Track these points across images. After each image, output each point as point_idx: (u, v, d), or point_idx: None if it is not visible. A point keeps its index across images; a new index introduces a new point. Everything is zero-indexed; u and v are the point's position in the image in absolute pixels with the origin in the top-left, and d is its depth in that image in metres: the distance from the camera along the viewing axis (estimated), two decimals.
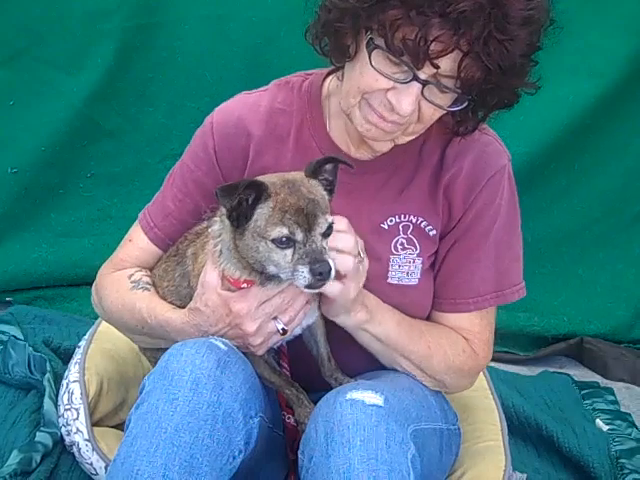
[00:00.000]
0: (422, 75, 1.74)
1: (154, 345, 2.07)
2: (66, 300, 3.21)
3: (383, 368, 2.07)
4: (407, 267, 2.01)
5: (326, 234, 1.72)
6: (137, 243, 2.10)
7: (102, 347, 2.42)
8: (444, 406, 2.12)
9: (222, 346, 1.80)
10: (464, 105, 1.82)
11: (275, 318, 1.83)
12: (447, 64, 1.72)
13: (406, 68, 1.75)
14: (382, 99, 1.80)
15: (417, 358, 1.99)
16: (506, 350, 3.33)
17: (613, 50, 3.14)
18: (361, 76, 1.80)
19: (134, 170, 3.26)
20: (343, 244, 1.78)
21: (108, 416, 2.31)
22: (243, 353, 1.87)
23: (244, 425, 1.76)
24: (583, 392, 3.07)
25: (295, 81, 2.05)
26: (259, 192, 1.71)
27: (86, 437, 2.19)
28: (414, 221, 2.00)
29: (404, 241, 2.00)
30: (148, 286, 2.05)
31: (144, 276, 2.07)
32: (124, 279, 2.06)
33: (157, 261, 2.09)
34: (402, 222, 2.00)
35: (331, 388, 1.86)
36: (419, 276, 2.02)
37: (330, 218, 1.73)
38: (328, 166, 1.80)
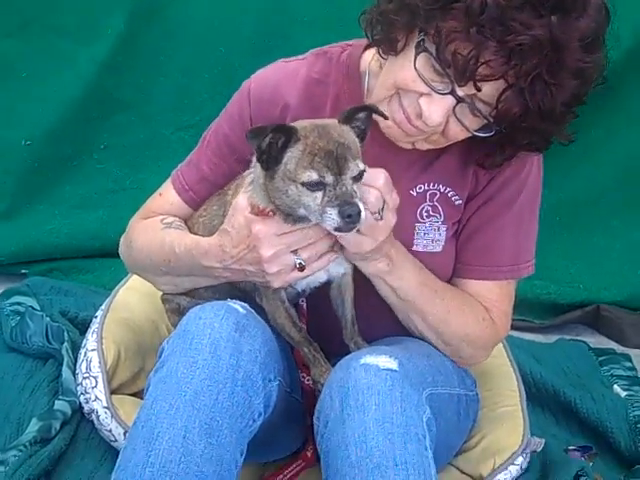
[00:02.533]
0: (460, 92, 1.72)
1: (178, 288, 2.07)
2: (82, 272, 3.20)
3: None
4: (432, 235, 2.01)
5: (357, 179, 1.71)
6: (168, 199, 2.11)
7: (119, 316, 2.42)
8: (462, 372, 2.11)
9: (240, 309, 1.80)
10: (490, 134, 1.79)
11: (295, 252, 1.81)
12: (489, 90, 1.70)
13: (447, 80, 1.72)
14: (414, 102, 1.78)
15: (434, 320, 1.98)
16: (522, 318, 3.30)
17: (634, 13, 3.09)
18: (401, 72, 1.78)
19: (147, 141, 3.23)
20: (363, 196, 1.75)
21: (126, 384, 2.31)
22: (265, 320, 1.88)
23: (263, 388, 1.76)
24: (600, 359, 3.06)
25: (334, 51, 2.02)
26: (289, 135, 1.71)
27: (105, 404, 2.20)
28: (442, 190, 1.99)
29: (429, 208, 2.00)
30: (181, 226, 2.06)
31: (177, 220, 2.08)
32: (157, 221, 2.08)
33: (187, 218, 2.09)
34: (430, 190, 1.99)
35: (346, 354, 1.85)
36: (443, 243, 2.02)
37: (361, 164, 1.71)
38: (362, 114, 1.78)
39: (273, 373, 1.80)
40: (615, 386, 2.84)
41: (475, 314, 2.02)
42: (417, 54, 1.74)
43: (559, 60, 1.66)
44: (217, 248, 1.86)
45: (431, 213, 2.00)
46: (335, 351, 1.95)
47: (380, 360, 1.74)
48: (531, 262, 2.08)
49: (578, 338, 3.32)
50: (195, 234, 2.02)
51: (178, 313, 2.08)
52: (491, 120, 1.75)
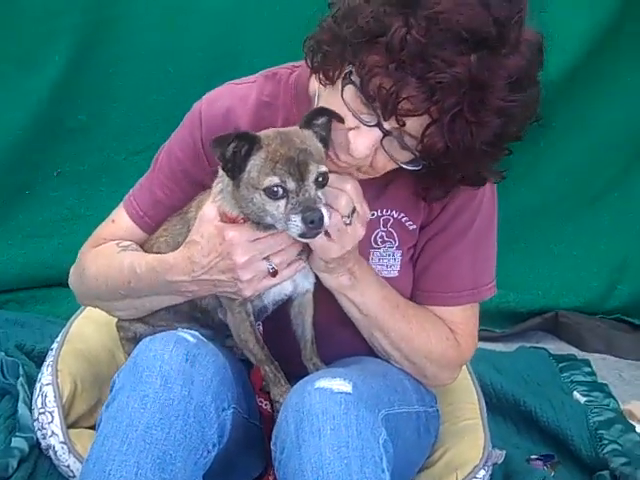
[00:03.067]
0: (387, 125, 1.71)
1: (138, 312, 2.04)
2: (39, 302, 3.17)
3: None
4: (387, 260, 2.00)
5: (320, 184, 1.71)
6: (122, 225, 2.08)
7: (74, 348, 2.38)
8: (421, 390, 2.10)
9: (191, 339, 1.78)
10: (418, 168, 1.78)
11: (267, 259, 1.81)
12: (413, 125, 1.69)
13: (374, 113, 1.71)
14: (343, 139, 1.77)
15: (397, 337, 1.98)
16: (483, 328, 3.30)
17: (575, 25, 3.13)
18: (333, 102, 1.77)
19: (101, 167, 3.21)
20: (333, 200, 1.76)
21: (84, 417, 2.28)
22: (218, 346, 1.85)
23: (217, 418, 1.74)
24: (560, 365, 3.09)
25: (282, 73, 2.02)
26: (252, 143, 1.71)
27: (61, 440, 2.16)
28: (395, 215, 1.99)
29: (384, 234, 1.99)
30: (138, 249, 2.03)
31: (133, 244, 2.05)
32: (112, 246, 2.04)
33: (142, 243, 2.07)
34: (383, 216, 1.99)
35: (304, 376, 1.84)
36: (398, 268, 2.01)
37: (323, 167, 1.72)
38: (321, 120, 1.78)
39: (227, 401, 1.78)
40: (575, 392, 2.86)
41: (438, 332, 2.02)
42: (343, 86, 1.74)
43: (481, 98, 1.64)
44: (185, 260, 1.84)
45: (385, 239, 2.00)
46: (294, 373, 1.93)
47: (334, 383, 1.73)
48: (491, 284, 2.08)
49: (539, 345, 3.36)
50: (157, 253, 2.00)
51: (134, 341, 2.05)
52: (417, 154, 1.74)
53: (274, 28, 3.09)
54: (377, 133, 1.73)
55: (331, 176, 1.76)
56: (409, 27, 1.61)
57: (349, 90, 1.73)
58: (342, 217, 1.76)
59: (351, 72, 1.71)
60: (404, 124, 1.68)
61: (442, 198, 1.92)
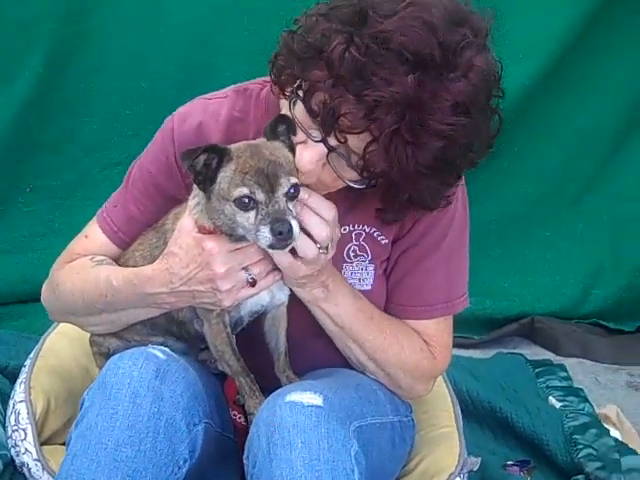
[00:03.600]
0: (331, 141, 1.71)
1: (113, 326, 2.03)
2: (14, 318, 3.14)
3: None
4: (359, 274, 2.00)
5: (291, 196, 1.72)
6: (95, 241, 2.07)
7: (47, 364, 2.37)
8: (395, 400, 2.10)
9: (161, 355, 1.78)
10: (362, 186, 1.78)
11: (245, 269, 1.81)
12: (355, 142, 1.68)
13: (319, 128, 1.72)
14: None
15: (371, 347, 1.98)
16: (459, 335, 3.32)
17: (543, 31, 3.16)
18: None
19: (75, 182, 3.20)
20: (316, 232, 1.77)
21: (57, 433, 2.26)
22: (190, 360, 1.85)
23: (187, 434, 1.74)
24: (536, 370, 3.10)
25: (253, 88, 2.01)
26: (222, 155, 1.72)
27: (35, 457, 2.15)
28: (367, 230, 1.99)
29: (356, 248, 1.99)
30: (112, 263, 2.02)
31: (107, 259, 2.04)
32: (86, 261, 2.03)
33: (116, 258, 2.06)
34: (355, 230, 1.98)
35: (274, 389, 1.84)
36: (372, 282, 2.01)
37: (294, 178, 1.72)
38: (282, 128, 1.78)
39: (198, 416, 1.78)
40: (550, 398, 2.87)
41: (412, 343, 2.02)
42: (291, 100, 1.75)
43: (420, 120, 1.63)
44: (163, 272, 1.84)
45: (358, 253, 2.00)
46: (267, 386, 1.93)
47: (305, 397, 1.73)
48: (464, 296, 2.08)
49: (515, 351, 3.37)
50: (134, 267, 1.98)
51: (107, 356, 2.03)
52: (359, 172, 1.73)
53: (245, 43, 3.09)
54: (323, 148, 1.73)
55: (316, 198, 1.78)
56: (349, 44, 1.61)
57: (298, 105, 1.74)
58: (319, 249, 1.78)
59: (300, 87, 1.72)
60: (346, 140, 1.68)
61: (396, 221, 1.93)
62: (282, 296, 1.93)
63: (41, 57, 3.04)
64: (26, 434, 2.17)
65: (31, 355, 2.41)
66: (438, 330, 2.05)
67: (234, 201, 1.71)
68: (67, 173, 3.19)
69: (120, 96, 3.14)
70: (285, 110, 1.81)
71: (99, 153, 3.18)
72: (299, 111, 1.74)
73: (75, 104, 3.12)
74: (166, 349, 1.82)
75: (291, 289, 1.93)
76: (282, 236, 1.67)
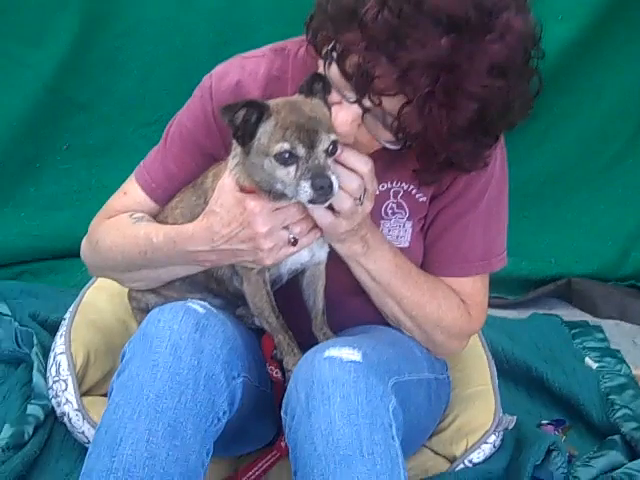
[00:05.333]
0: (366, 103, 1.70)
1: (152, 282, 2.05)
2: (52, 273, 3.18)
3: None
4: (397, 231, 2.01)
5: (331, 152, 1.73)
6: (135, 197, 2.08)
7: (87, 318, 2.41)
8: (431, 357, 2.11)
9: (200, 309, 1.80)
10: (397, 147, 1.78)
11: (287, 228, 1.82)
12: (390, 104, 1.68)
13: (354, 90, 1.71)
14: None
15: (409, 304, 1.99)
16: (495, 295, 3.32)
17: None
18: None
19: (109, 140, 3.20)
20: (346, 183, 1.77)
21: (97, 385, 2.31)
22: (228, 316, 1.87)
23: (227, 386, 1.76)
24: (573, 331, 3.09)
25: (291, 47, 2.01)
26: (261, 111, 1.73)
27: (76, 407, 2.19)
28: (405, 187, 1.99)
29: (394, 205, 1.99)
30: (151, 220, 2.04)
31: (146, 216, 2.05)
32: (125, 217, 2.05)
33: (155, 214, 2.08)
34: (393, 188, 1.98)
35: (311, 345, 1.85)
36: (409, 239, 2.02)
37: (333, 135, 1.73)
38: (318, 85, 1.78)
39: (237, 370, 1.80)
40: (587, 359, 2.86)
41: (449, 301, 2.02)
42: (325, 61, 1.74)
43: (455, 82, 1.62)
44: (205, 230, 1.85)
45: (396, 210, 2.00)
46: (304, 343, 1.94)
47: (344, 352, 1.74)
48: (503, 255, 2.08)
49: (551, 312, 3.35)
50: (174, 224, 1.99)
51: (146, 312, 2.04)
52: (394, 134, 1.72)
53: (281, 1, 3.05)
54: (358, 109, 1.73)
55: (349, 152, 1.78)
56: (382, 6, 1.60)
57: (333, 66, 1.73)
58: (354, 200, 1.78)
59: (334, 48, 1.71)
60: (380, 103, 1.67)
61: (433, 182, 1.93)
62: (322, 254, 1.95)
63: (76, 17, 3.03)
64: (67, 385, 2.22)
65: (71, 309, 2.45)
66: (475, 288, 2.06)
67: (274, 156, 1.71)
68: (102, 132, 3.19)
69: (154, 55, 3.12)
70: (322, 70, 1.80)
71: (133, 112, 3.18)
72: (334, 72, 1.73)
73: (110, 64, 3.12)
74: (205, 303, 1.84)
75: (330, 246, 1.93)
76: (322, 191, 1.68)
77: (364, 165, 1.78)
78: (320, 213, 1.80)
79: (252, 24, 3.05)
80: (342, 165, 1.77)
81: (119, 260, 2.04)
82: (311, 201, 1.71)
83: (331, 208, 1.80)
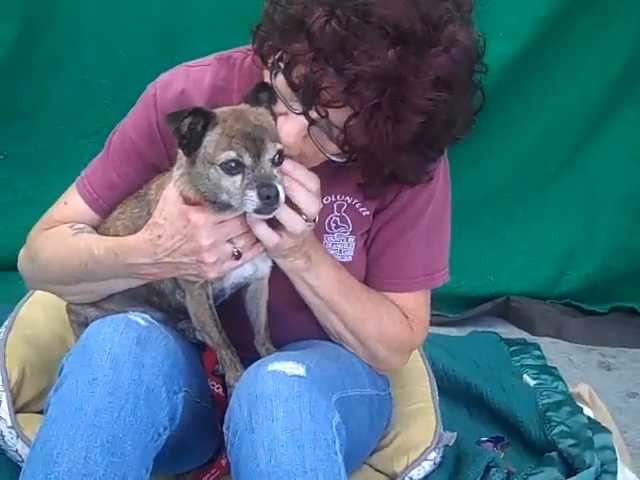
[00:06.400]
0: (313, 114, 1.70)
1: (92, 296, 2.02)
2: None
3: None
4: (340, 245, 2.01)
5: (277, 162, 1.72)
6: (75, 208, 2.04)
7: (23, 333, 2.34)
8: (373, 373, 2.11)
9: (142, 322, 1.77)
10: (343, 160, 1.78)
11: (231, 241, 1.81)
12: (337, 116, 1.68)
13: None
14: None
15: (351, 319, 1.99)
16: (436, 313, 3.32)
17: (524, 10, 3.17)
18: None
19: (49, 150, 3.18)
20: (305, 205, 1.76)
21: (33, 401, 2.24)
22: (170, 329, 1.85)
23: (168, 401, 1.73)
24: (511, 349, 3.11)
25: (236, 57, 1.99)
26: (207, 119, 1.72)
27: (9, 424, 2.13)
28: (349, 201, 1.99)
29: (337, 219, 1.99)
30: (93, 232, 2.01)
31: (87, 227, 2.02)
32: (65, 229, 2.01)
33: (96, 226, 2.04)
34: (337, 201, 1.98)
35: (254, 360, 1.83)
36: (352, 253, 2.02)
37: (279, 145, 1.72)
38: (264, 95, 1.78)
39: (178, 385, 1.78)
40: (525, 376, 2.89)
41: (392, 316, 2.03)
42: (272, 71, 1.74)
43: (401, 95, 1.63)
44: (147, 243, 1.82)
45: (339, 224, 2.00)
46: (248, 358, 1.91)
47: (287, 366, 1.73)
48: (445, 270, 2.09)
49: (490, 330, 3.38)
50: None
51: (85, 325, 2.00)
52: (340, 146, 1.73)
53: (225, 9, 3.06)
54: (303, 121, 1.72)
55: (302, 171, 1.77)
56: (330, 17, 1.60)
57: (280, 76, 1.72)
58: (306, 221, 1.78)
59: (281, 58, 1.71)
60: (327, 115, 1.68)
61: (377, 196, 1.94)
62: (265, 268, 1.94)
63: (16, 21, 3.00)
64: (0, 401, 2.15)
65: (6, 323, 2.39)
66: (417, 304, 2.06)
67: (220, 165, 1.70)
68: (42, 141, 3.17)
69: (95, 63, 3.11)
70: (268, 80, 1.79)
71: (74, 121, 3.16)
72: (280, 83, 1.73)
73: (50, 71, 3.09)
74: (147, 316, 1.82)
75: (274, 260, 1.93)
76: (269, 200, 1.67)
77: (313, 183, 1.78)
78: (266, 234, 1.79)
79: (196, 32, 3.06)
80: (298, 184, 1.76)
81: (58, 272, 2.00)
82: (257, 211, 1.70)
83: (272, 224, 1.78)
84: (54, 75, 3.09)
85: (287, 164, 1.75)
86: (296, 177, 1.77)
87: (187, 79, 1.98)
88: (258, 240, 1.83)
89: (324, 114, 1.68)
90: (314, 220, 1.81)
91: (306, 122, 1.72)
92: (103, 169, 2.04)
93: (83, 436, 1.60)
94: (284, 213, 1.75)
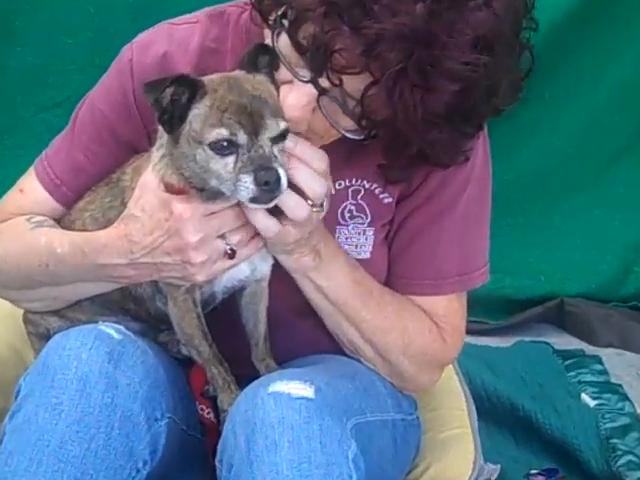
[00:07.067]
0: (323, 83, 1.69)
1: (56, 302, 2.02)
2: None
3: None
4: (356, 239, 2.01)
5: (278, 140, 1.71)
6: (34, 197, 2.06)
7: None
8: (397, 394, 2.11)
9: (115, 334, 1.78)
10: (360, 137, 1.78)
11: (222, 237, 1.80)
12: (353, 84, 1.67)
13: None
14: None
15: (369, 328, 1.98)
16: (473, 319, 3.34)
17: None
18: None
19: (4, 126, 3.20)
20: (309, 187, 1.75)
21: None
22: (149, 342, 1.86)
23: (148, 430, 1.74)
24: (566, 363, 3.15)
25: (231, 12, 1.99)
26: (194, 89, 1.71)
27: None
28: (367, 186, 1.99)
29: (353, 208, 2.00)
30: (55, 226, 2.01)
31: (48, 219, 2.02)
32: (21, 222, 2.02)
33: (58, 218, 2.05)
34: (352, 186, 1.98)
35: (252, 379, 1.83)
36: (371, 249, 2.02)
37: (283, 122, 1.71)
38: (263, 59, 1.77)
39: (160, 410, 1.78)
40: (583, 395, 2.91)
41: (419, 324, 2.03)
42: (274, 31, 1.73)
43: (431, 58, 1.61)
44: (121, 239, 1.83)
45: (355, 214, 2.00)
46: (244, 376, 1.91)
47: (292, 387, 1.73)
48: (484, 269, 2.08)
49: (540, 339, 3.40)
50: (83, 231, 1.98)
51: (46, 338, 2.02)
52: (357, 121, 1.72)
53: None
54: (312, 90, 1.71)
55: (305, 146, 1.76)
56: None
57: (283, 37, 1.72)
58: (313, 206, 1.77)
59: (285, 15, 1.70)
60: (340, 82, 1.67)
61: (400, 181, 1.93)
62: (265, 268, 1.93)
63: None
64: None
65: None
66: (450, 309, 2.06)
67: (209, 144, 1.69)
68: None
69: (59, 23, 3.13)
70: (269, 41, 1.79)
71: (34, 91, 3.18)
72: (284, 45, 1.72)
73: (4, 33, 3.11)
74: (121, 327, 1.82)
75: (275, 258, 1.92)
76: (268, 187, 1.66)
77: (319, 162, 1.77)
78: (264, 222, 1.78)
79: None
80: (300, 161, 1.75)
81: (14, 274, 2.01)
82: (254, 200, 1.69)
83: (274, 212, 1.77)
84: (9, 37, 3.12)
85: (288, 140, 1.75)
86: (298, 154, 1.76)
87: (170, 40, 1.98)
88: (256, 235, 1.83)
89: (337, 82, 1.67)
90: (321, 205, 1.80)
91: (315, 92, 1.72)
92: (68, 149, 2.04)
93: (46, 472, 1.60)
94: (285, 197, 1.74)
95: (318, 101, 1.73)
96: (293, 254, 1.88)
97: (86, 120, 2.03)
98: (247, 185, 1.66)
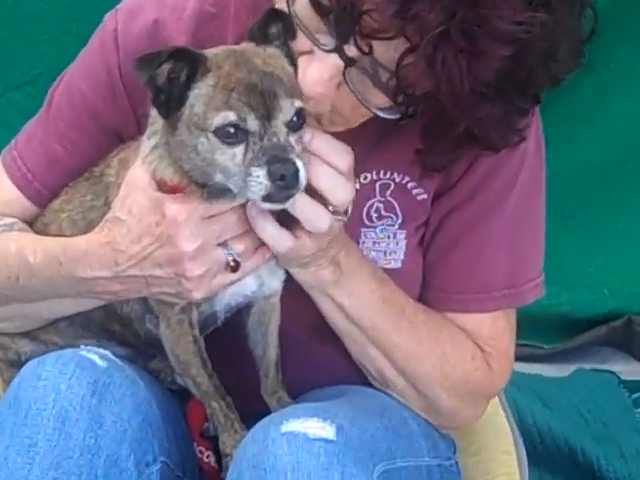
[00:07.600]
0: (350, 51, 1.70)
1: (28, 322, 2.05)
2: None
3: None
4: (385, 244, 2.03)
5: (295, 127, 1.71)
6: (1, 194, 2.09)
7: None
8: (433, 433, 2.13)
9: (99, 362, 1.79)
10: (396, 116, 1.78)
11: (224, 245, 1.81)
12: (385, 52, 1.67)
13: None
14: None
15: (401, 355, 2.00)
16: (523, 342, 3.35)
17: None
18: None
19: None
20: (331, 190, 1.76)
21: None
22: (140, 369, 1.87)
23: (137, 477, 1.75)
24: (634, 396, 3.14)
25: None
26: (195, 64, 1.71)
27: None
28: (397, 180, 2.00)
29: (381, 206, 2.01)
30: (26, 229, 2.04)
31: (18, 222, 2.05)
32: None
33: (31, 219, 2.08)
34: (380, 180, 2.00)
35: (261, 415, 1.84)
36: (403, 256, 2.04)
37: (298, 101, 1.71)
38: (275, 29, 1.78)
39: (152, 453, 1.80)
40: None
41: (460, 348, 2.04)
42: None
43: (478, 18, 1.61)
44: (104, 247, 1.84)
45: (383, 213, 2.01)
46: (251, 413, 1.93)
47: (310, 426, 1.74)
48: (537, 281, 2.09)
49: (603, 367, 3.40)
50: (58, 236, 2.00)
51: (17, 366, 2.05)
52: (392, 96, 1.72)
53: None
54: (337, 61, 1.72)
55: (325, 139, 1.77)
56: None
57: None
58: (334, 213, 1.78)
59: None
60: (371, 49, 1.67)
61: (443, 167, 1.94)
62: (275, 283, 1.94)
63: None
64: None
65: None
66: (497, 329, 2.07)
67: (214, 131, 1.69)
68: None
69: None
70: (281, 4, 1.79)
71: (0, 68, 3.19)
72: (302, 6, 1.72)
73: None
74: (106, 352, 1.84)
75: (287, 271, 1.93)
76: (284, 182, 1.66)
77: (342, 158, 1.78)
78: (274, 236, 1.79)
79: None
80: (319, 160, 1.76)
81: None
82: (267, 198, 1.68)
83: (281, 220, 1.78)
84: None
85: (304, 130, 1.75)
86: (316, 150, 1.76)
87: (162, 5, 2.00)
88: (264, 242, 1.84)
89: (367, 49, 1.67)
90: (345, 212, 1.81)
91: (341, 63, 1.72)
92: (41, 137, 2.07)
93: None
94: (302, 203, 1.75)
95: (344, 74, 1.73)
96: (309, 267, 1.90)
97: (63, 103, 2.05)
98: (260, 180, 1.66)
